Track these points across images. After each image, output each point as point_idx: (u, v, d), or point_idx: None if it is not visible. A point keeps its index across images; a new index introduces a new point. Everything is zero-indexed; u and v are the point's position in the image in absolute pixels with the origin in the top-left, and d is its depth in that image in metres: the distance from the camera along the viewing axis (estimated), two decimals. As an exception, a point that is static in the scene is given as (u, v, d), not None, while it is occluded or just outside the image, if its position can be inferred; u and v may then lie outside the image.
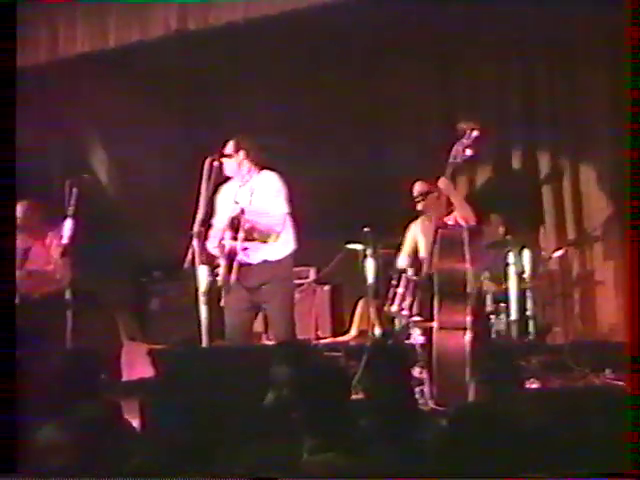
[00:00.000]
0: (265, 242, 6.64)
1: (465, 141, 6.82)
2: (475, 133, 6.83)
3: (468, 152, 6.84)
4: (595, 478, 3.14)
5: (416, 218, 7.52)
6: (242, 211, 6.58)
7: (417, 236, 7.47)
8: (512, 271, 7.47)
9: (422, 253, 7.21)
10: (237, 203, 6.65)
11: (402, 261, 7.41)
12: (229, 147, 6.77)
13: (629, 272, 4.12)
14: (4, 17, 4.49)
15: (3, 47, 4.43)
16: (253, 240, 6.61)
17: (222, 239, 6.63)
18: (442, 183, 6.85)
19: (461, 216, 6.89)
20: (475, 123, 6.88)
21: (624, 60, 4.07)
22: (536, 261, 7.97)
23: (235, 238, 6.58)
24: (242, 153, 6.76)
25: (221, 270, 6.58)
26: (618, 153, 8.48)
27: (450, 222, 6.93)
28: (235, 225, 6.59)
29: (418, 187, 7.40)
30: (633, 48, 3.90)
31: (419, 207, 7.41)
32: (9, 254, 4.51)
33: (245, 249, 6.59)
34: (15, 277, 4.65)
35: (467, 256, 6.63)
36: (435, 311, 6.59)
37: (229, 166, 6.77)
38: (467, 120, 6.96)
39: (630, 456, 3.36)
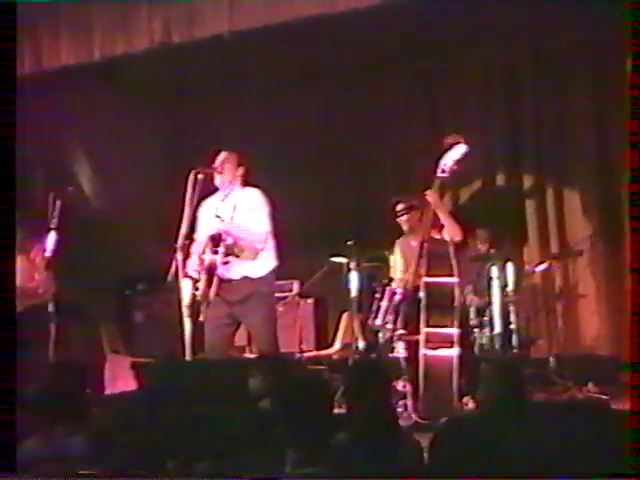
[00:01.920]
0: (246, 259, 6.61)
1: (453, 155, 6.79)
2: (463, 147, 6.80)
3: (455, 166, 6.81)
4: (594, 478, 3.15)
5: (399, 236, 7.47)
6: (225, 228, 6.56)
7: (403, 252, 7.40)
8: (496, 285, 7.49)
9: (409, 268, 7.15)
10: (218, 217, 6.62)
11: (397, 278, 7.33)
12: (219, 159, 6.75)
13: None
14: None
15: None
16: (234, 256, 6.59)
17: (203, 253, 6.61)
18: (429, 196, 6.82)
19: (447, 231, 6.87)
20: (462, 137, 6.87)
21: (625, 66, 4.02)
22: (519, 275, 7.99)
23: (215, 252, 6.55)
24: (240, 169, 6.76)
25: (201, 285, 6.55)
26: (602, 168, 8.57)
27: (437, 236, 6.91)
28: (216, 240, 6.57)
29: (400, 205, 7.35)
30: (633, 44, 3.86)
31: (404, 225, 7.35)
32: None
33: (226, 263, 6.56)
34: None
35: (455, 269, 6.63)
36: (422, 325, 6.59)
37: (217, 179, 6.76)
38: (454, 134, 6.94)
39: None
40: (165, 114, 9.86)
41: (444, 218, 6.90)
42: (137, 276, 9.67)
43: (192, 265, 6.58)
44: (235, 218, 6.64)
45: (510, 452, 3.17)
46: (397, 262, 7.44)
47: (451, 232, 6.86)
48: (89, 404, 4.49)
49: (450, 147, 6.82)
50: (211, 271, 6.55)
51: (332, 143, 9.58)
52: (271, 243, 6.74)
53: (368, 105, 9.50)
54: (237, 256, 6.57)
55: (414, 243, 6.99)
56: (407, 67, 9.24)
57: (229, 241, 6.53)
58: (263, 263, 6.68)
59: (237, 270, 6.61)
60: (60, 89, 8.84)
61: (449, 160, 6.78)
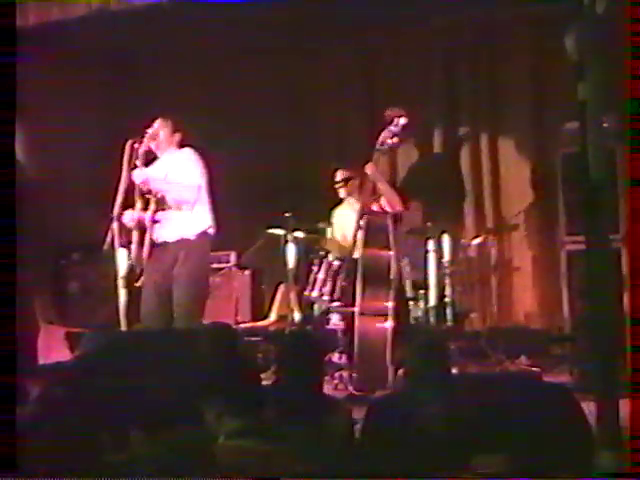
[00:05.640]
0: (178, 210, 6.59)
1: (393, 128, 6.84)
2: (403, 120, 6.85)
3: (395, 139, 6.88)
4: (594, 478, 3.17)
5: (340, 203, 7.57)
6: (154, 183, 6.55)
7: (342, 221, 7.48)
8: (431, 258, 7.54)
9: (347, 239, 7.21)
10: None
11: (329, 246, 7.39)
12: (153, 127, 6.72)
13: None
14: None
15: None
16: (166, 208, 6.58)
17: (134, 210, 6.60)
18: (369, 169, 6.89)
19: (388, 202, 6.94)
20: (402, 110, 6.91)
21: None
22: (455, 248, 8.05)
23: (146, 209, 6.55)
24: (162, 133, 6.72)
25: (133, 247, 6.52)
26: (538, 142, 8.65)
27: (374, 208, 6.97)
28: (146, 196, 6.57)
29: (340, 174, 7.45)
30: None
31: (342, 193, 7.46)
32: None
33: (156, 222, 6.55)
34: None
35: (392, 243, 6.68)
36: (357, 297, 6.62)
37: (153, 145, 6.72)
38: (394, 107, 6.97)
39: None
40: (102, 81, 9.73)
41: (385, 190, 6.98)
42: (72, 245, 9.57)
43: (127, 218, 6.56)
44: (168, 176, 6.63)
45: (438, 425, 3.20)
46: (335, 231, 7.50)
47: (392, 203, 6.94)
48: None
49: (391, 120, 6.86)
50: (142, 228, 6.53)
51: (271, 114, 9.54)
52: (205, 200, 6.71)
53: (309, 73, 9.50)
54: (164, 209, 6.54)
55: (352, 213, 7.04)
56: (346, 37, 9.21)
57: (159, 195, 6.53)
58: (197, 221, 6.66)
59: (172, 231, 6.58)
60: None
61: (389, 133, 6.84)
